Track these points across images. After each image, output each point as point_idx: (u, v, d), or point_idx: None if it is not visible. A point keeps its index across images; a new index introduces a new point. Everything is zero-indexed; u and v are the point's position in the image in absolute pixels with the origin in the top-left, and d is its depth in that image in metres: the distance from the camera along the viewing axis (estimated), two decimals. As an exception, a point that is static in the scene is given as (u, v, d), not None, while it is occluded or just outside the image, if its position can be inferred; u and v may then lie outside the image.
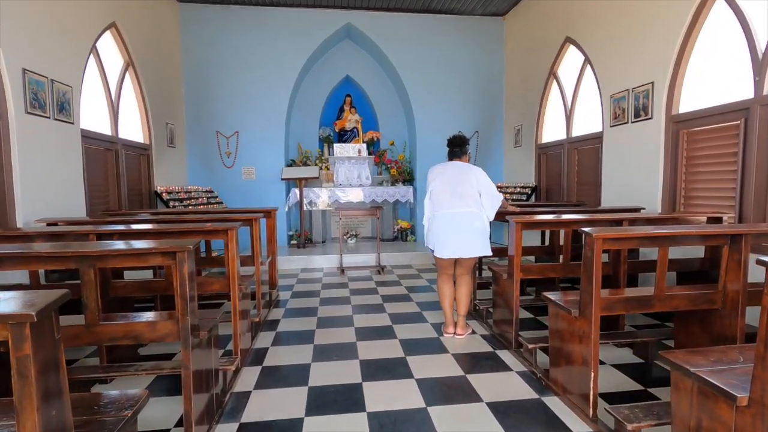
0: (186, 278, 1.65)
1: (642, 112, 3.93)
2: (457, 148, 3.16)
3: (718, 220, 2.95)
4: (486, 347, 2.94)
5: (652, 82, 3.80)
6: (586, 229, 1.94)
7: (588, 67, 4.81)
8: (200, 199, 5.79)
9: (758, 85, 2.92)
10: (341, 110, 7.60)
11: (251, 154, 6.64)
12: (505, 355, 2.79)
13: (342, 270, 5.31)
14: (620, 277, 2.74)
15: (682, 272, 3.05)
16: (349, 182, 7.11)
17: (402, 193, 6.94)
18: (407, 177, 7.12)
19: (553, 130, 5.69)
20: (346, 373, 2.57)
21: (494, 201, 3.07)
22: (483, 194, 3.02)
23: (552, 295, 2.26)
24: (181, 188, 5.69)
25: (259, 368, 2.65)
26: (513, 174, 6.76)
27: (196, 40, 6.39)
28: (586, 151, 4.94)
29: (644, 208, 3.78)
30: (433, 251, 3.09)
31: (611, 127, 4.37)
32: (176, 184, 5.94)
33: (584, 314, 1.99)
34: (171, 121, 5.94)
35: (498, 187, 6.67)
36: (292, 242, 6.77)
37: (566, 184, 5.31)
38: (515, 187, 6.12)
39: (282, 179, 6.46)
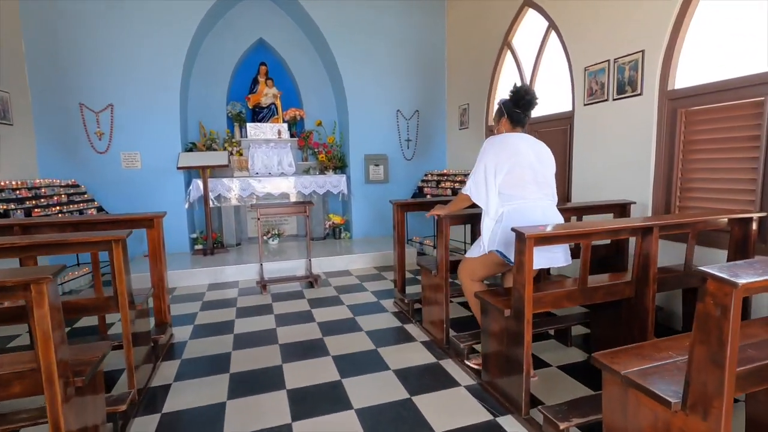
0: None
1: (628, 87, 3.30)
2: (530, 110, 2.34)
3: (747, 222, 2.38)
4: (481, 412, 2.07)
5: (642, 51, 3.17)
6: (712, 271, 1.10)
7: (553, 35, 4.12)
8: (56, 198, 4.18)
9: (792, 52, 2.37)
10: (255, 82, 6.22)
11: (133, 135, 5.04)
12: (513, 426, 1.95)
13: (264, 285, 4.14)
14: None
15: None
16: (268, 170, 5.84)
17: (334, 182, 5.86)
18: (338, 164, 6.04)
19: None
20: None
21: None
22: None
23: (619, 365, 1.42)
24: (21, 183, 4.02)
25: None
26: (459, 159, 6.03)
27: (39, -26, 4.58)
28: (550, 133, 4.29)
29: (635, 202, 3.19)
30: (503, 255, 2.21)
31: (585, 105, 3.73)
32: (16, 177, 4.22)
33: (698, 410, 1.17)
34: (2, 87, 4.17)
35: (443, 175, 5.95)
36: (196, 248, 5.37)
37: (524, 172, 4.66)
38: (465, 175, 5.38)
39: (178, 168, 5.00)
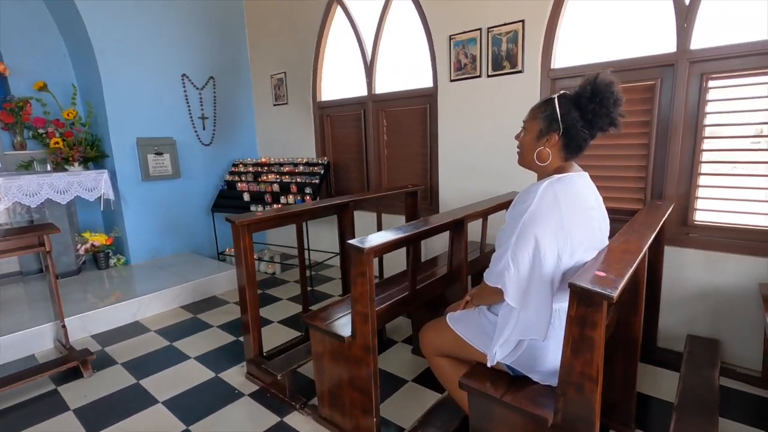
0: None
1: (506, 62, 2.89)
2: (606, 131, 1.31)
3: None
4: None
5: (522, 21, 2.77)
6: None
7: (402, -7, 3.40)
8: None
9: (683, 35, 2.30)
10: None
11: None
12: None
13: (-41, 406, 2.06)
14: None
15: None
16: (-63, 169, 3.19)
17: (87, 183, 3.69)
18: (90, 153, 3.86)
19: (343, 83, 4.07)
20: None
21: None
22: None
23: None
24: None
25: None
26: (275, 143, 4.77)
27: None
28: (405, 114, 3.63)
29: (526, 195, 2.85)
30: (513, 369, 1.37)
31: (452, 81, 3.19)
32: None
33: None
34: None
35: (262, 166, 4.54)
36: None
37: (371, 161, 3.90)
38: (296, 165, 4.21)
39: None
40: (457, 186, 3.30)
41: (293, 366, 2.16)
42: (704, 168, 2.35)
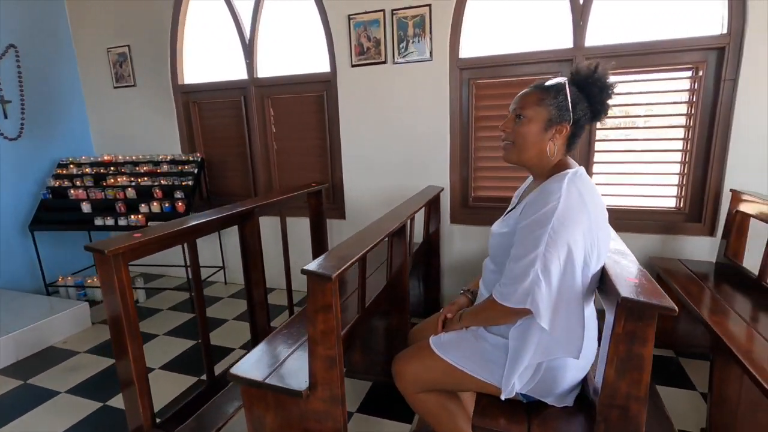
0: None
1: (413, 48, 2.71)
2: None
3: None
4: None
5: (429, 6, 2.62)
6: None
7: (287, -39, 2.93)
8: None
9: (578, 32, 2.44)
10: None
11: None
12: None
13: None
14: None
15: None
16: None
17: None
18: None
19: (215, 64, 3.37)
20: None
21: None
22: None
23: None
24: None
25: None
26: (119, 138, 3.74)
27: None
28: (297, 102, 3.18)
29: (442, 189, 2.75)
30: (528, 396, 1.21)
31: (353, 66, 2.88)
32: None
33: None
34: None
35: (107, 165, 3.62)
36: None
37: (257, 156, 3.34)
38: (158, 164, 3.35)
39: None
40: (364, 182, 3.04)
41: (210, 432, 1.63)
42: (597, 157, 2.58)
